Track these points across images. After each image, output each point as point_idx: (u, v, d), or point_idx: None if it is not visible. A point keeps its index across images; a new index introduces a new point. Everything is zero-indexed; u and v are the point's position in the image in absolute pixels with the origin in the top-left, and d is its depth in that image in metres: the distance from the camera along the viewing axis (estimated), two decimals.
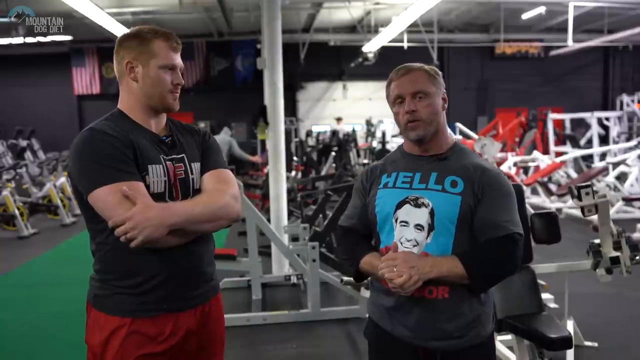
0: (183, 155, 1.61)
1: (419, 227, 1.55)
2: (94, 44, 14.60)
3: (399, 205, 1.58)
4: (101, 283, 1.55)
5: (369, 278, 1.73)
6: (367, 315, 1.75)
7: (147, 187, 1.50)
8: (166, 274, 1.52)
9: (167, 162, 1.56)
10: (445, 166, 1.60)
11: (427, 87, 1.59)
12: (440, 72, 1.65)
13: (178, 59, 1.60)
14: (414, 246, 1.55)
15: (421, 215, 1.55)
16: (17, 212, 7.21)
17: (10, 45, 12.73)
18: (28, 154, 12.05)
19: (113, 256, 1.52)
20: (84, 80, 15.32)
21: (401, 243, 1.56)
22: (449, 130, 1.72)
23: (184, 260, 1.55)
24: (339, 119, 14.76)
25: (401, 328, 1.59)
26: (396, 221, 1.58)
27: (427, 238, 1.54)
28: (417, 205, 1.56)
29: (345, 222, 1.75)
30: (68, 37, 12.84)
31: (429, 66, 1.64)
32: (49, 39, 11.96)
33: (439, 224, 1.53)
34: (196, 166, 1.63)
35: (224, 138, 8.55)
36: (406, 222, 1.57)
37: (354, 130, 12.18)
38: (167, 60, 1.56)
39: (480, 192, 1.55)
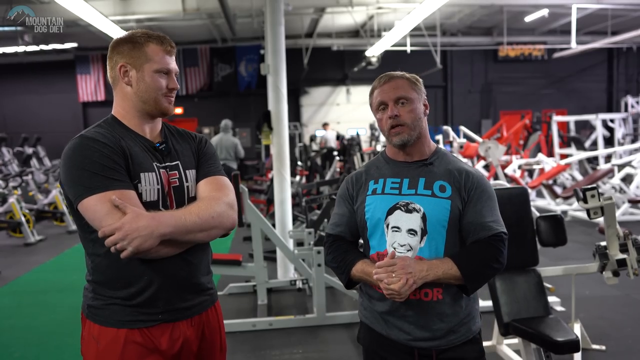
0: (177, 162, 1.57)
1: (412, 232, 1.59)
2: (98, 51, 14.70)
3: (390, 211, 1.61)
4: (94, 294, 1.51)
5: (359, 284, 1.75)
6: (360, 321, 1.77)
7: (140, 195, 1.46)
8: (160, 285, 1.48)
9: (161, 170, 1.52)
10: (432, 171, 1.65)
11: (409, 93, 1.64)
12: (420, 80, 1.71)
13: (173, 63, 1.57)
14: (408, 250, 1.59)
15: (413, 221, 1.58)
16: (23, 219, 7.26)
17: (16, 53, 12.84)
18: (34, 161, 12.11)
19: (105, 266, 1.47)
20: (89, 87, 15.41)
21: (394, 248, 1.59)
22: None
23: (178, 270, 1.51)
24: (325, 125, 14.80)
25: (396, 331, 1.62)
26: (387, 227, 1.61)
27: (420, 242, 1.58)
28: (409, 211, 1.59)
29: (333, 230, 1.76)
30: (73, 45, 12.95)
31: (410, 74, 1.70)
32: (54, 47, 12.09)
33: (431, 228, 1.58)
34: (191, 173, 1.59)
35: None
36: (398, 228, 1.60)
37: (357, 134, 12.18)
38: (162, 65, 1.53)
39: (467, 195, 1.61)
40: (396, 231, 1.59)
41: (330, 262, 1.76)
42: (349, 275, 1.68)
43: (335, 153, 10.13)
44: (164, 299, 1.50)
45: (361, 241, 1.77)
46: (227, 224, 1.55)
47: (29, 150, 12.29)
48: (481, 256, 1.57)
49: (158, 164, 1.53)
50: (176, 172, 1.56)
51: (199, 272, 1.58)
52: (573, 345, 2.36)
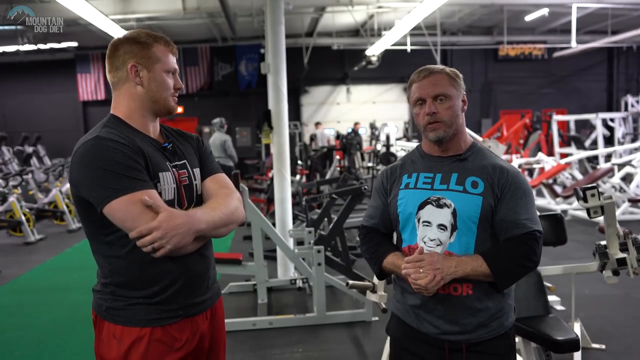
0: (185, 161, 1.61)
1: (442, 227, 1.58)
2: (98, 50, 14.70)
3: (421, 206, 1.61)
4: (114, 295, 1.50)
5: (392, 276, 1.76)
6: (391, 312, 1.78)
7: (159, 194, 1.48)
8: (183, 281, 1.51)
9: (173, 169, 1.56)
10: (465, 167, 1.63)
11: (448, 90, 1.62)
12: (461, 75, 1.68)
13: (176, 63, 1.61)
14: (438, 245, 1.58)
15: (444, 216, 1.58)
16: (23, 218, 7.26)
17: (16, 52, 12.83)
18: (34, 160, 12.13)
19: (126, 267, 1.47)
20: (89, 86, 15.41)
21: (424, 242, 1.60)
22: (467, 131, 1.76)
23: (197, 265, 1.55)
24: (317, 124, 14.80)
25: (427, 324, 1.62)
26: (418, 221, 1.62)
27: (450, 237, 1.58)
28: (439, 206, 1.59)
29: (367, 222, 1.79)
30: (73, 44, 12.94)
31: (450, 68, 1.67)
32: (55, 46, 12.09)
33: (461, 224, 1.57)
34: (197, 172, 1.63)
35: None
36: (429, 222, 1.60)
37: (357, 134, 12.18)
38: (170, 65, 1.56)
39: (500, 192, 1.58)
40: (427, 226, 1.60)
41: (363, 253, 1.79)
42: (380, 267, 1.70)
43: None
44: (185, 294, 1.53)
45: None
46: (241, 218, 1.62)
47: (29, 149, 12.31)
48: (512, 254, 1.55)
49: (169, 163, 1.56)
50: (185, 170, 1.60)
51: (211, 265, 1.64)
52: (573, 344, 2.37)
